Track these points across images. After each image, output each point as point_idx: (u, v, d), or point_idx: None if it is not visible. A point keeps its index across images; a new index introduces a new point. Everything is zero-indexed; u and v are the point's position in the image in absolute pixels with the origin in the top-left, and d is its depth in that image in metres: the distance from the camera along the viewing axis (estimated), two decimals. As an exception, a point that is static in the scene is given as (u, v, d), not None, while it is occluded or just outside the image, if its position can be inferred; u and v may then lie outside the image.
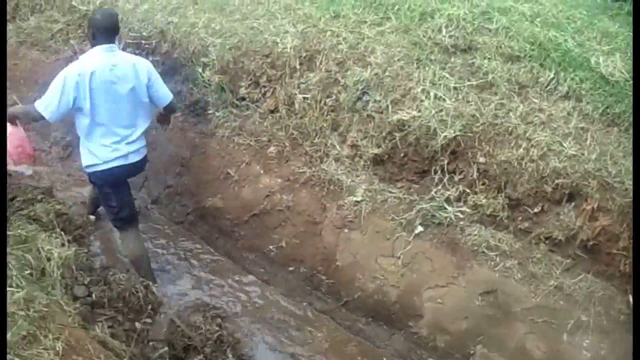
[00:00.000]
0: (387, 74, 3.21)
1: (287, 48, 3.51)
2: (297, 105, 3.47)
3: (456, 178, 2.99)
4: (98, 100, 2.92)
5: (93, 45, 3.02)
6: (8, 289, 2.20)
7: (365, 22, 3.46)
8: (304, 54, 3.47)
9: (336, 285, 3.15)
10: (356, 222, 3.15)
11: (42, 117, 2.95)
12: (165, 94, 3.19)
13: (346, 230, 3.18)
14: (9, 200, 3.41)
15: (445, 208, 2.96)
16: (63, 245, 2.98)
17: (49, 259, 2.81)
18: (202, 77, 3.79)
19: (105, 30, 2.98)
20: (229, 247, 3.52)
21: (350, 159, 3.30)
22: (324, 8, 3.61)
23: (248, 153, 3.62)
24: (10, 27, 5.32)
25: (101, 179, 3.12)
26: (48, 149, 4.55)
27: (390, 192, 3.13)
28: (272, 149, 3.56)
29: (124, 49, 3.87)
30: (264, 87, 3.61)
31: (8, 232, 2.95)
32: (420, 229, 3.00)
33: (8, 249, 2.72)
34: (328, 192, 3.29)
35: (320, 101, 3.39)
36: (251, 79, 3.65)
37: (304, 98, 3.43)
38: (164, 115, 3.41)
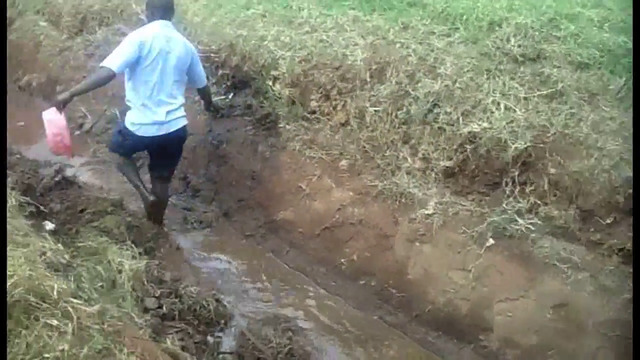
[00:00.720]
0: (457, 85, 4.10)
1: (357, 60, 4.51)
2: (368, 118, 4.44)
3: (527, 190, 3.80)
4: (154, 64, 4.12)
5: (150, 21, 4.30)
6: (81, 301, 2.83)
7: (434, 33, 4.38)
8: (374, 66, 4.45)
9: (407, 299, 4.05)
10: (427, 235, 4.04)
11: (108, 73, 3.99)
12: (202, 76, 4.56)
13: (417, 244, 4.08)
14: (79, 211, 4.63)
15: (517, 220, 3.78)
16: (134, 257, 3.98)
17: (119, 271, 3.75)
18: (273, 90, 4.88)
19: (162, 8, 4.29)
20: (300, 261, 4.53)
21: (422, 172, 4.21)
22: (392, 19, 4.57)
23: (319, 166, 4.64)
24: (78, 40, 6.80)
25: (130, 137, 4.33)
26: (119, 162, 5.84)
27: (462, 204, 4.00)
28: (343, 162, 4.55)
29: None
30: (335, 100, 4.63)
31: (79, 244, 4.12)
32: (491, 241, 3.84)
33: (79, 260, 3.76)
34: (399, 205, 4.21)
35: (391, 114, 4.34)
36: (322, 92, 4.68)
37: (375, 111, 4.40)
38: (206, 99, 4.87)
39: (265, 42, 5.01)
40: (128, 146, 4.47)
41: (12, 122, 6.41)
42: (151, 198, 4.60)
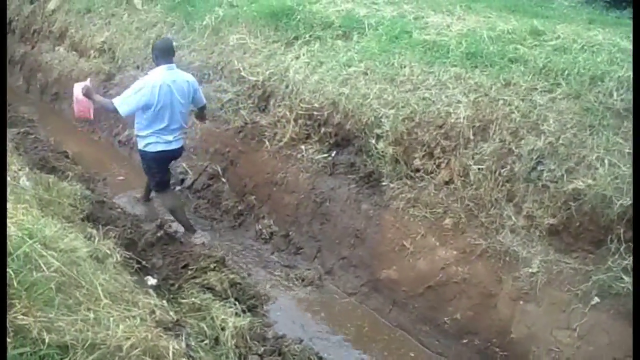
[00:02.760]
0: (560, 142, 4.98)
1: (460, 118, 5.49)
2: (471, 176, 5.37)
3: (632, 246, 4.58)
4: (164, 105, 6.23)
5: (157, 65, 6.39)
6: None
7: (536, 89, 5.28)
8: (477, 124, 5.42)
9: (510, 358, 4.87)
10: (531, 293, 4.87)
11: (116, 111, 6.34)
12: (202, 99, 6.79)
13: (521, 302, 4.91)
14: (181, 267, 5.68)
15: (622, 278, 4.53)
16: (237, 314, 4.92)
17: (223, 328, 4.63)
18: (376, 148, 5.93)
19: (165, 52, 6.40)
20: (402, 320, 5.46)
21: (526, 230, 5.07)
22: (494, 76, 5.53)
23: (423, 225, 5.58)
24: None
25: (153, 158, 6.53)
26: (219, 217, 7.08)
27: (566, 262, 4.82)
28: (447, 220, 5.49)
29: (295, 120, 6.35)
30: (438, 158, 5.60)
31: (182, 300, 5.03)
32: (596, 299, 4.60)
33: (182, 316, 4.59)
34: (504, 264, 5.07)
35: (495, 172, 5.24)
36: (425, 150, 5.67)
37: (479, 169, 5.33)
38: (200, 114, 6.98)
39: (368, 100, 6.09)
40: (155, 168, 6.68)
41: (114, 175, 7.90)
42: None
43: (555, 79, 5.34)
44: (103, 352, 2.86)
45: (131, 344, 2.99)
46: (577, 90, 5.16)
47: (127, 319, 3.35)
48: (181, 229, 6.64)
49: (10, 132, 8.39)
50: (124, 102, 6.30)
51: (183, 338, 4.00)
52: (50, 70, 10.95)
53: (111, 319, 3.21)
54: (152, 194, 7.34)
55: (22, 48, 11.99)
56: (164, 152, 6.55)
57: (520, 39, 5.95)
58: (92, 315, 3.15)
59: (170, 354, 3.25)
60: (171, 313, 4.40)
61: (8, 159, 6.03)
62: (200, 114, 7.05)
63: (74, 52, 10.71)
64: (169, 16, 9.38)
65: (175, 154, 6.75)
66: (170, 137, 6.48)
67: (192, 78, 6.72)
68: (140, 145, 6.60)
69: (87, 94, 6.45)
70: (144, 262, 5.46)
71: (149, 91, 6.22)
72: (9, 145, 7.22)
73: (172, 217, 6.77)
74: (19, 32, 12.16)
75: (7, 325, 2.64)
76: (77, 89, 6.53)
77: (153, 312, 4.08)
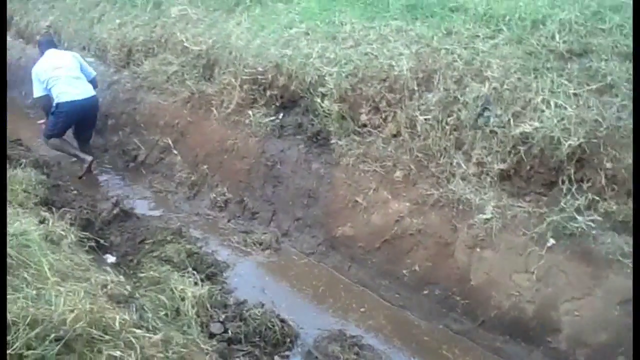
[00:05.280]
0: (505, 87, 4.50)
1: (404, 70, 4.98)
2: (419, 127, 4.89)
3: (584, 186, 4.15)
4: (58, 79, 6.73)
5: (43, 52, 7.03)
6: (143, 331, 3.28)
7: (478, 36, 4.80)
8: (420, 75, 4.91)
9: (472, 305, 4.45)
10: (487, 240, 4.44)
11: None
12: (91, 72, 7.14)
13: (478, 249, 4.48)
14: (139, 242, 5.26)
15: (576, 218, 4.14)
16: (196, 284, 4.51)
17: (183, 299, 4.24)
18: (322, 107, 5.40)
19: (47, 43, 7.28)
20: (362, 275, 4.99)
21: (477, 177, 4.62)
22: (435, 27, 5.02)
23: (374, 179, 5.11)
24: (125, 72, 7.54)
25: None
26: (174, 190, 6.50)
27: (519, 206, 4.39)
28: (398, 173, 5.01)
29: (241, 85, 5.75)
30: (385, 111, 5.10)
31: (141, 274, 4.65)
32: (552, 241, 4.20)
33: (142, 291, 4.24)
34: (457, 212, 4.63)
35: (442, 121, 4.78)
36: (371, 105, 5.16)
37: (425, 119, 4.85)
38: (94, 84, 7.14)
39: (311, 60, 5.55)
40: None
41: (67, 158, 7.23)
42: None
43: (496, 25, 4.89)
44: (46, 327, 2.70)
45: (75, 317, 2.80)
46: (519, 35, 4.71)
47: (72, 294, 3.11)
48: (137, 204, 6.03)
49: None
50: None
51: (134, 309, 3.71)
52: (-2, 59, 10.05)
53: (54, 295, 3.01)
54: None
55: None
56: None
57: (460, -13, 5.41)
58: (34, 292, 2.99)
59: (117, 324, 2.99)
60: (127, 287, 4.08)
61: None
62: (93, 82, 7.18)
63: (20, 40, 9.94)
64: (111, -6, 8.60)
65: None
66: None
67: (77, 54, 7.39)
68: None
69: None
70: (102, 241, 5.16)
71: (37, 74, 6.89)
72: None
73: (125, 193, 6.28)
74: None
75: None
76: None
77: (105, 286, 3.83)
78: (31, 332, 2.63)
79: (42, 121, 7.20)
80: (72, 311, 2.84)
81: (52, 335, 2.66)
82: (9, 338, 2.57)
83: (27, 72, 7.27)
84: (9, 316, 2.64)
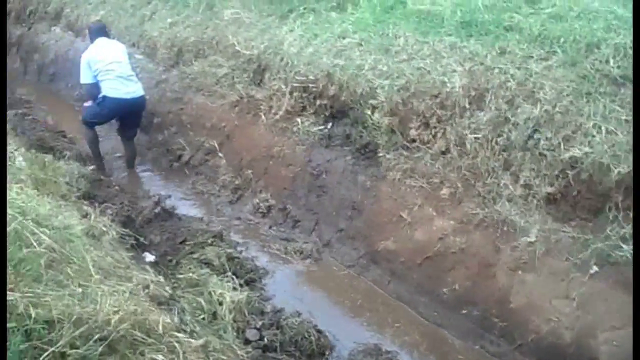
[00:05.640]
0: (557, 109, 4.79)
1: (456, 87, 5.31)
2: (468, 146, 5.20)
3: (632, 215, 4.43)
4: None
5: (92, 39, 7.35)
6: (185, 335, 3.48)
7: (532, 57, 5.09)
8: (472, 93, 5.23)
9: (510, 328, 4.73)
10: (530, 263, 4.72)
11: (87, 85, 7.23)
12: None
13: (520, 272, 4.77)
14: (179, 243, 5.59)
15: (621, 246, 4.38)
16: (235, 289, 4.82)
17: (220, 303, 4.54)
18: (371, 119, 5.76)
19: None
20: (401, 291, 5.31)
21: (523, 199, 4.91)
22: (489, 45, 5.33)
23: (420, 195, 5.43)
24: (174, 72, 8.03)
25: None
26: (217, 192, 6.93)
27: (564, 231, 4.67)
28: (444, 190, 5.33)
29: (291, 92, 6.16)
30: (434, 128, 5.43)
31: (180, 275, 4.95)
32: (595, 268, 4.47)
33: (180, 291, 4.55)
34: (501, 234, 4.92)
35: (491, 140, 5.08)
36: (421, 120, 5.50)
37: (475, 138, 5.16)
38: None
39: (363, 71, 5.91)
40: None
41: (112, 154, 7.73)
42: None
43: (551, 46, 5.17)
44: (90, 326, 2.79)
45: (119, 318, 2.92)
46: (573, 58, 4.99)
47: (116, 294, 3.27)
48: (178, 205, 6.47)
49: (8, 114, 8.23)
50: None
51: (176, 312, 3.92)
52: (46, 51, 10.78)
53: (100, 293, 3.13)
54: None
55: (18, 30, 11.77)
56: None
57: (516, 7, 5.74)
58: (80, 290, 3.09)
59: (160, 327, 3.16)
60: (167, 288, 4.32)
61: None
62: None
63: (70, 32, 10.56)
64: (163, -8, 9.14)
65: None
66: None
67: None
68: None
69: None
70: (141, 239, 5.41)
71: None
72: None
73: (167, 193, 6.73)
74: (15, 14, 11.92)
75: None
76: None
77: (147, 287, 4.02)
78: (76, 331, 2.71)
79: (87, 103, 7.47)
80: (116, 312, 2.97)
81: (96, 336, 2.76)
82: (52, 335, 2.65)
83: (75, 65, 7.72)
84: (54, 313, 2.72)
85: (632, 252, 4.27)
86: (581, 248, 4.54)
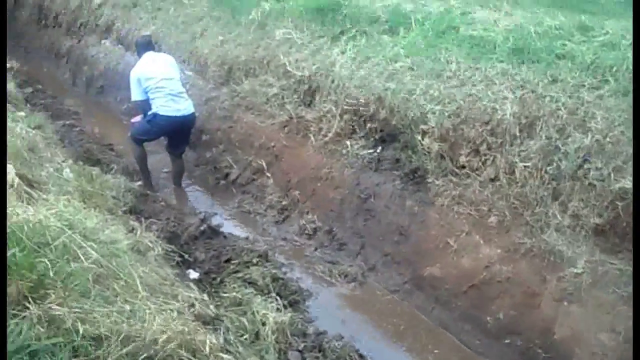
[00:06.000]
0: (607, 139, 5.10)
1: (507, 114, 5.64)
2: (517, 174, 5.51)
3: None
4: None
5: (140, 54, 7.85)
6: (228, 355, 3.66)
7: (584, 85, 5.40)
8: (523, 121, 5.55)
9: None
10: (576, 294, 5.00)
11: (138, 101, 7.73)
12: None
13: (565, 303, 5.05)
14: (224, 261, 5.95)
15: (669, 280, 4.68)
16: (278, 310, 5.12)
17: (263, 323, 4.83)
18: (422, 144, 6.13)
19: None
20: (444, 318, 5.63)
21: (572, 229, 5.20)
22: (541, 72, 5.67)
23: (468, 222, 5.77)
24: (224, 90, 8.53)
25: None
26: (264, 212, 7.37)
27: (612, 263, 4.94)
28: (492, 218, 5.65)
29: (341, 115, 6.59)
30: (484, 155, 5.76)
31: (224, 294, 5.25)
32: (643, 301, 4.76)
33: (222, 310, 4.81)
34: (548, 264, 5.21)
35: (541, 169, 5.39)
36: (471, 147, 5.84)
37: (525, 166, 5.48)
38: None
39: (414, 96, 6.28)
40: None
41: (159, 169, 8.24)
42: None
43: (603, 75, 5.47)
44: (138, 345, 2.91)
45: (167, 338, 3.05)
46: (625, 87, 5.27)
47: (164, 312, 3.43)
48: (224, 223, 6.92)
49: (56, 125, 8.88)
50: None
51: (221, 332, 4.15)
52: (96, 64, 11.44)
53: (147, 311, 3.27)
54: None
55: (69, 41, 12.49)
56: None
57: (568, 35, 6.08)
58: (128, 307, 3.21)
59: (207, 349, 3.32)
60: (211, 307, 4.59)
61: (53, 150, 6.46)
62: None
63: (120, 46, 11.17)
64: (215, 10, 9.74)
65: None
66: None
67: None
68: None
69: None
70: (186, 256, 5.74)
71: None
72: (54, 137, 7.71)
73: (213, 211, 7.25)
74: (66, 26, 12.67)
75: (42, 315, 2.73)
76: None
77: (192, 305, 4.26)
78: (123, 349, 2.81)
79: (136, 119, 7.95)
80: (164, 331, 3.08)
81: (144, 355, 2.87)
82: (99, 352, 2.74)
83: (124, 79, 8.22)
84: (101, 330, 2.83)
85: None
86: (629, 281, 4.79)
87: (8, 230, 3.05)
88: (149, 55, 7.85)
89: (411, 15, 7.31)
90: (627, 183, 4.90)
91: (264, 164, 7.68)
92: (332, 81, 7.13)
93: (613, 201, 4.95)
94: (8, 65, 10.94)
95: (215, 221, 6.83)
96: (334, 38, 7.65)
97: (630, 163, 4.95)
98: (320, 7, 7.97)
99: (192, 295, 4.47)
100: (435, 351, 5.45)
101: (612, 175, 5.00)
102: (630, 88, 5.21)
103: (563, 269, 5.12)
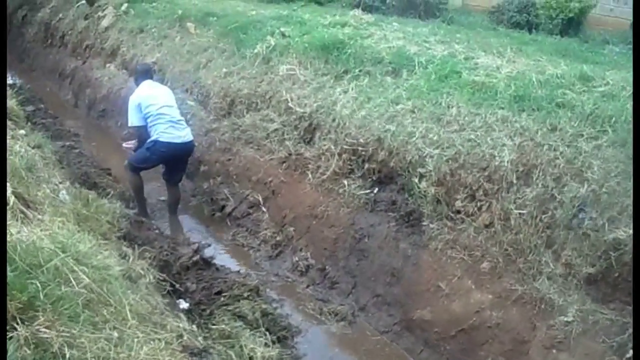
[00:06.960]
0: (603, 190, 5.23)
1: (504, 161, 5.78)
2: (512, 221, 5.63)
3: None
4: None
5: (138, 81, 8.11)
6: None
7: (582, 135, 5.56)
8: (520, 168, 5.69)
9: (541, 408, 5.13)
10: (565, 342, 5.07)
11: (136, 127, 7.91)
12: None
13: (555, 351, 5.12)
14: (214, 293, 6.03)
15: (659, 333, 4.78)
16: (267, 345, 5.26)
17: (251, 358, 4.99)
18: (418, 187, 6.25)
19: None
20: (433, 361, 5.76)
21: (564, 278, 5.30)
22: (540, 121, 5.83)
23: (460, 267, 5.86)
24: (225, 122, 8.69)
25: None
26: (257, 246, 7.48)
27: (602, 313, 5.03)
28: (485, 264, 5.75)
29: (340, 154, 6.74)
30: (480, 200, 5.88)
31: (213, 326, 5.33)
32: (632, 352, 4.84)
33: (210, 342, 4.90)
34: (539, 311, 5.29)
35: (536, 217, 5.50)
36: (467, 192, 5.96)
37: (520, 214, 5.60)
38: None
39: (413, 139, 6.42)
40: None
41: (154, 198, 8.35)
42: None
43: (602, 125, 5.64)
44: None
45: None
46: (623, 138, 5.42)
47: (152, 341, 3.49)
48: (217, 255, 7.02)
49: (55, 145, 9.00)
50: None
51: None
52: (99, 87, 11.70)
53: (135, 340, 3.34)
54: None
55: (73, 62, 12.80)
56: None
57: (569, 84, 6.28)
58: (116, 335, 3.27)
59: None
60: (199, 339, 4.69)
61: (51, 171, 6.57)
62: None
63: (124, 70, 11.42)
64: (221, 42, 9.98)
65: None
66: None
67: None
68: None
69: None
70: (177, 285, 5.84)
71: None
72: (53, 158, 7.83)
73: (207, 242, 7.33)
74: (71, 46, 12.96)
75: (29, 337, 2.77)
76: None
77: (181, 336, 4.33)
78: None
79: (129, 144, 8.15)
80: None
81: None
82: None
83: (126, 104, 8.29)
84: (88, 355, 2.91)
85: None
86: (619, 331, 4.88)
87: (0, 249, 3.16)
88: (147, 83, 8.09)
89: (415, 58, 7.51)
90: (621, 234, 5.02)
91: (260, 198, 7.81)
92: (333, 120, 7.28)
93: (606, 251, 5.05)
94: (11, 81, 11.14)
95: (208, 252, 6.91)
96: (337, 77, 7.84)
97: (625, 214, 5.08)
98: (325, 45, 8.18)
99: (181, 325, 4.56)
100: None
101: (606, 225, 5.12)
102: (629, 139, 5.37)
103: (553, 317, 5.20)
